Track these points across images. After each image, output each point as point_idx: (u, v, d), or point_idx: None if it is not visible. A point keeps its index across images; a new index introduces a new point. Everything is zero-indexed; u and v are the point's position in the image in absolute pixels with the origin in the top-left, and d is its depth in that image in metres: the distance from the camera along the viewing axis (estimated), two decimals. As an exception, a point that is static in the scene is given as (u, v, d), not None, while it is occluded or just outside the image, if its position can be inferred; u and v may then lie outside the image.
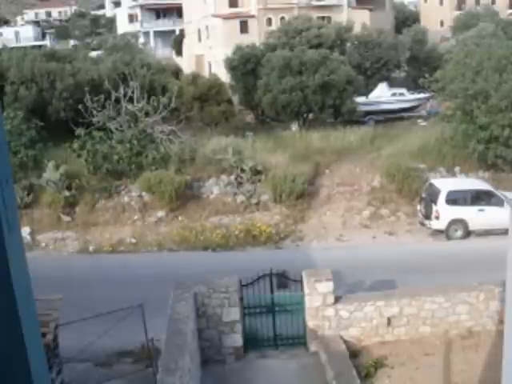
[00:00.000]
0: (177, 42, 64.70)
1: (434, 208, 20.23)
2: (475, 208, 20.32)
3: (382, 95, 35.29)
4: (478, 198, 20.61)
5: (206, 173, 23.59)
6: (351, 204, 22.88)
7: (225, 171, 23.52)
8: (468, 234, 20.41)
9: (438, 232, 20.61)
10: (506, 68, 23.03)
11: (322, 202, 22.61)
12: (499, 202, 19.86)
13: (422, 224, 21.10)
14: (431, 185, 21.14)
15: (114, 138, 23.59)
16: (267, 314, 13.19)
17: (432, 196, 20.59)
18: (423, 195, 21.19)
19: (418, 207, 21.45)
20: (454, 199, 20.45)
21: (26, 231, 20.45)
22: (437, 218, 20.25)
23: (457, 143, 23.71)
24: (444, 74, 25.05)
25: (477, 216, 20.10)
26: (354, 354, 12.51)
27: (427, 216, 20.60)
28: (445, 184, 21.04)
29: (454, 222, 20.30)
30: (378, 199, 22.82)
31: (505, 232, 19.91)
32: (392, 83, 38.57)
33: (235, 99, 34.50)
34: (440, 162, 24.18)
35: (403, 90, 36.11)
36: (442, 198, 20.17)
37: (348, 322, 12.98)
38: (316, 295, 12.77)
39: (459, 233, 20.37)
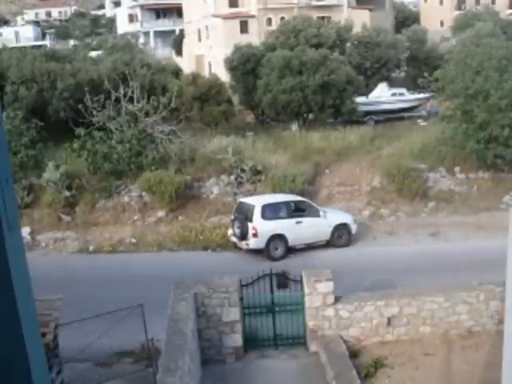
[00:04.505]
0: (177, 42, 64.66)
1: (250, 225, 18.69)
2: (292, 221, 19.15)
3: (382, 95, 35.25)
4: (294, 209, 19.54)
5: (206, 173, 23.60)
6: (351, 204, 22.90)
7: (225, 171, 23.53)
8: (288, 250, 19.09)
9: (257, 252, 19.01)
10: (507, 68, 23.05)
11: (322, 202, 22.58)
12: (314, 213, 19.46)
13: (236, 246, 19.62)
14: (242, 203, 19.79)
15: (113, 138, 23.58)
16: (267, 314, 13.19)
17: (246, 214, 19.05)
18: (234, 215, 19.56)
19: (230, 231, 19.77)
20: (270, 213, 19.06)
21: (26, 231, 20.46)
22: (255, 235, 18.69)
23: (457, 143, 23.72)
24: (444, 73, 25.03)
25: (295, 229, 18.93)
26: (354, 354, 12.51)
27: (243, 236, 18.92)
28: (257, 200, 19.78)
29: (274, 238, 18.84)
30: (378, 199, 22.84)
31: (325, 244, 19.42)
32: (392, 83, 38.54)
33: (235, 99, 34.47)
34: (440, 162, 24.21)
35: (403, 90, 36.07)
36: (257, 214, 18.76)
37: (348, 321, 12.98)
38: (316, 295, 12.77)
39: (280, 251, 18.95)
